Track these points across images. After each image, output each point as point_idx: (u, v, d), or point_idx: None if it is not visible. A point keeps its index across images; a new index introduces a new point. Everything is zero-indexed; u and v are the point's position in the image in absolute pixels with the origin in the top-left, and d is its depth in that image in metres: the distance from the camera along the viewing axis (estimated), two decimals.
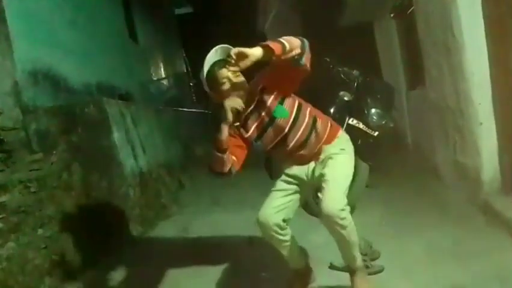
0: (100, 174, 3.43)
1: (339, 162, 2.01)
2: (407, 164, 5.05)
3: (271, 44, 1.69)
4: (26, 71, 3.59)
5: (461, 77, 3.20)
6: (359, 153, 3.51)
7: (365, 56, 6.19)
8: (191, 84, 11.94)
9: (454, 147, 3.58)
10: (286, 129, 1.93)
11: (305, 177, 2.07)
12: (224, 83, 1.88)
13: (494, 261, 2.31)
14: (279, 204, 2.03)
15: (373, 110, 3.49)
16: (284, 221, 2.02)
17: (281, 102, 1.93)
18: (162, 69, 9.46)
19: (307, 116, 1.98)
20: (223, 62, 1.84)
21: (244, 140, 2.01)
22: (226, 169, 1.95)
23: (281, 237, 2.05)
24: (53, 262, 2.69)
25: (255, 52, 1.67)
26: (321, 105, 4.08)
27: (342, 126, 3.56)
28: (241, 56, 1.65)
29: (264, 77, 1.95)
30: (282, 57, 1.73)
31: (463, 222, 2.94)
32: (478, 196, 3.14)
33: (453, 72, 3.35)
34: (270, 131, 1.95)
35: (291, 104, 1.95)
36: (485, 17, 2.97)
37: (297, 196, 2.10)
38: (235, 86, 1.89)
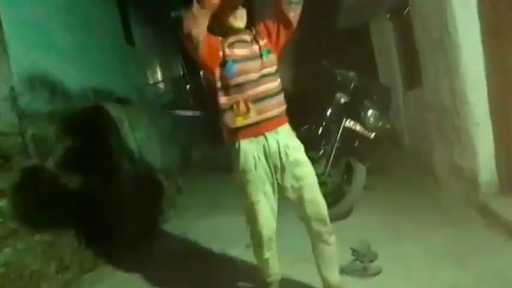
0: (98, 179, 3.41)
1: (306, 161, 2.00)
2: (404, 165, 5.06)
3: None
4: (22, 76, 3.58)
5: (457, 77, 3.21)
6: (356, 154, 3.54)
7: (361, 57, 6.22)
8: (188, 87, 11.94)
9: (451, 148, 3.59)
10: (264, 71, 1.92)
11: (264, 155, 1.94)
12: (231, 3, 1.89)
13: (492, 262, 2.31)
14: (273, 212, 2.03)
15: (370, 112, 3.50)
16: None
17: (268, 51, 1.96)
18: (159, 73, 9.46)
19: (278, 81, 1.99)
20: None
21: (218, 54, 1.93)
22: (197, 29, 1.82)
23: (273, 250, 2.11)
24: (50, 267, 2.68)
25: None
26: (317, 106, 4.13)
27: (339, 128, 3.58)
28: None
29: (261, 23, 2.02)
30: None
31: (461, 223, 2.94)
32: (476, 197, 3.14)
33: (449, 73, 3.36)
34: (250, 63, 1.91)
35: (273, 60, 1.98)
36: (480, 17, 2.99)
37: (273, 193, 2.02)
38: (236, 6, 1.92)
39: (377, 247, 2.68)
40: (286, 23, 1.97)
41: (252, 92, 1.90)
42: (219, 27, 1.97)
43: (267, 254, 2.10)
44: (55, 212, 3.01)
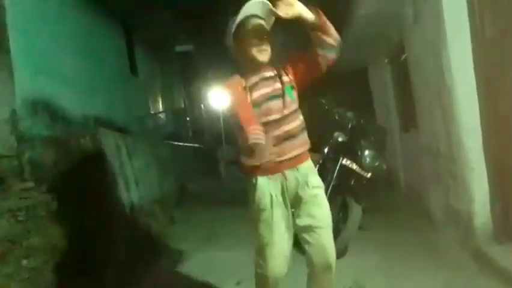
0: (91, 207, 3.38)
1: (325, 203, 1.96)
2: (400, 207, 5.04)
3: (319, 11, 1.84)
4: (25, 101, 3.63)
5: (452, 122, 3.27)
6: (352, 193, 3.54)
7: (359, 98, 6.34)
8: (188, 119, 12.06)
9: (447, 191, 3.60)
10: (286, 111, 1.88)
11: (281, 194, 1.89)
12: (256, 31, 1.85)
13: None
14: (282, 257, 1.90)
15: (366, 152, 3.54)
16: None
17: (292, 87, 1.94)
18: (160, 104, 9.59)
19: (301, 118, 1.97)
20: (258, 18, 1.86)
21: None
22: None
23: None
24: None
25: (301, 6, 1.80)
26: (316, 144, 4.16)
27: (336, 166, 3.60)
28: (288, 2, 1.77)
29: (288, 58, 2.00)
30: (322, 27, 1.85)
31: (455, 268, 2.91)
32: (471, 242, 3.12)
33: (444, 118, 3.43)
34: (273, 102, 1.88)
35: (297, 99, 1.96)
36: (475, 64, 3.09)
37: (289, 237, 1.93)
38: (261, 40, 1.87)
39: None
40: (316, 65, 1.93)
41: (274, 133, 1.85)
42: (243, 60, 1.94)
43: None
44: (45, 238, 2.96)
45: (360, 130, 3.77)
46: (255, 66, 1.92)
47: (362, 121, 3.87)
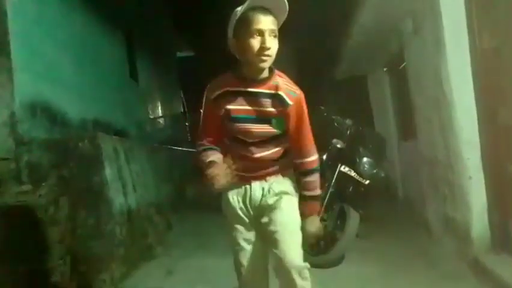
0: (88, 210, 3.37)
1: (287, 208, 1.76)
2: (398, 215, 5.04)
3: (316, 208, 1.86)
4: (24, 103, 3.63)
5: (450, 132, 3.29)
6: (350, 201, 3.54)
7: (358, 106, 6.37)
8: (187, 124, 12.06)
9: (444, 200, 3.60)
10: (266, 137, 1.70)
11: (243, 202, 1.79)
12: (256, 35, 1.54)
13: None
14: (254, 260, 1.81)
15: (365, 159, 3.54)
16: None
17: (282, 121, 1.69)
18: (160, 109, 9.59)
19: (283, 147, 1.77)
20: (267, 13, 1.55)
21: (219, 114, 1.71)
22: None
23: None
24: None
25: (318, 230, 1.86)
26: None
27: (334, 173, 3.60)
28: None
29: (300, 102, 1.70)
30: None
31: (452, 279, 2.90)
32: (468, 252, 3.11)
33: (443, 127, 3.44)
34: (254, 125, 1.68)
35: (284, 127, 1.71)
36: (474, 75, 3.11)
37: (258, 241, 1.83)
38: (267, 41, 1.54)
39: None
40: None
41: (242, 152, 1.73)
42: (241, 59, 1.65)
43: None
44: (41, 242, 2.95)
45: (358, 137, 3.78)
46: (252, 71, 1.64)
47: (360, 128, 3.88)
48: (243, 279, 1.86)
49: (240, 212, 1.79)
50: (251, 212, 1.79)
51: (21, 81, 3.57)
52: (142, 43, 8.38)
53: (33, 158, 3.38)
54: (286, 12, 1.60)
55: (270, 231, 1.73)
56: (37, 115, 3.83)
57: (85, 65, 5.19)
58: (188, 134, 11.97)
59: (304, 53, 8.37)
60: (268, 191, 1.77)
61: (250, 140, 1.72)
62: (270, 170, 1.78)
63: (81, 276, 3.00)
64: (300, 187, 1.82)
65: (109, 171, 3.53)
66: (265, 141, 1.72)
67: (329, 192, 3.54)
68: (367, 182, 3.57)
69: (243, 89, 1.67)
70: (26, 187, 3.20)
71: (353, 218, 3.35)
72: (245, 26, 1.55)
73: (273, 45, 1.57)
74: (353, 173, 3.57)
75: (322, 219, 3.50)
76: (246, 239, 1.81)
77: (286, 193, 1.79)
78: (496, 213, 3.04)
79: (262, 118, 1.68)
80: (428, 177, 4.04)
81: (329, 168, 3.77)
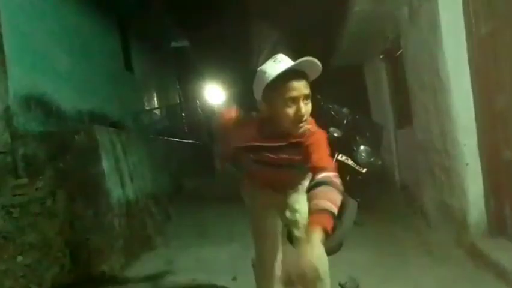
0: (86, 203, 3.37)
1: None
2: (395, 203, 5.07)
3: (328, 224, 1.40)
4: (19, 97, 3.61)
5: (447, 119, 3.29)
6: (347, 189, 3.54)
7: (354, 94, 6.36)
8: (183, 115, 12.02)
9: (441, 187, 3.62)
10: (289, 177, 1.90)
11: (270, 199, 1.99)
12: (290, 101, 1.49)
13: None
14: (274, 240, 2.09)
15: (362, 147, 3.55)
16: None
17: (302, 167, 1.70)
18: (155, 100, 9.55)
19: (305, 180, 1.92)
20: (302, 75, 1.51)
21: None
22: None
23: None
24: None
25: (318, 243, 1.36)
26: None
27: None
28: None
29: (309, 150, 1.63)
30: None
31: (450, 264, 2.93)
32: (465, 238, 3.14)
33: (439, 114, 3.44)
34: (275, 170, 1.78)
35: (305, 171, 1.80)
36: (470, 60, 3.10)
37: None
38: (300, 113, 1.50)
39: (366, 285, 2.65)
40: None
41: (271, 180, 1.90)
42: (272, 118, 1.58)
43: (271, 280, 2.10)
44: (39, 234, 2.95)
45: (355, 126, 3.77)
46: (283, 131, 1.59)
47: (357, 117, 3.88)
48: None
49: (270, 207, 1.99)
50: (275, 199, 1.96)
51: (15, 74, 3.54)
52: (137, 34, 8.31)
53: (29, 151, 3.37)
54: (319, 72, 1.54)
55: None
56: (32, 108, 3.81)
57: (80, 56, 5.15)
58: (185, 125, 11.94)
59: (300, 42, 8.33)
60: (290, 206, 1.97)
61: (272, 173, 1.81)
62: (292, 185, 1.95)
63: (80, 268, 3.01)
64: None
65: (106, 163, 3.53)
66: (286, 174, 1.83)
67: None
68: (364, 170, 3.57)
69: (266, 144, 1.68)
70: (23, 181, 3.20)
71: (351, 206, 3.36)
72: (277, 94, 1.49)
73: (308, 108, 1.52)
74: (350, 162, 3.57)
75: None
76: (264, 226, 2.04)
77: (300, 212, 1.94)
78: (493, 199, 3.06)
79: (284, 165, 1.73)
80: (425, 164, 4.06)
81: None
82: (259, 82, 1.55)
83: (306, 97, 1.51)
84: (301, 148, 1.61)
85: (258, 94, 1.59)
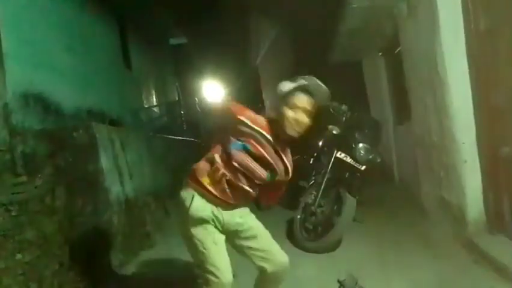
0: (85, 200, 3.37)
1: (257, 223, 2.06)
2: (394, 199, 5.07)
3: None
4: (17, 94, 3.59)
5: (445, 115, 3.29)
6: (346, 186, 3.55)
7: (353, 91, 6.35)
8: (182, 112, 12.01)
9: (439, 184, 3.63)
10: (257, 181, 1.92)
11: (213, 220, 1.95)
12: (294, 109, 1.88)
13: None
14: (226, 260, 1.96)
15: (360, 145, 3.55)
16: None
17: (276, 174, 1.95)
18: (154, 97, 9.53)
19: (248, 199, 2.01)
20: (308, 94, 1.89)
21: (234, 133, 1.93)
22: None
23: None
24: None
25: None
26: (309, 137, 4.18)
27: (330, 159, 3.61)
28: None
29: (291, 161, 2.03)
30: None
31: (448, 260, 2.94)
32: (463, 234, 3.16)
33: (438, 110, 3.45)
34: (254, 165, 1.89)
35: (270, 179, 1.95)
36: (469, 57, 3.10)
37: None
38: (303, 119, 1.89)
39: (365, 281, 2.66)
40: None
41: (237, 182, 1.89)
42: (279, 115, 1.93)
43: None
44: (39, 231, 2.95)
45: (354, 123, 3.78)
46: (279, 130, 1.91)
47: (356, 114, 3.88)
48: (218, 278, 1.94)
49: (209, 217, 1.92)
50: (219, 226, 1.96)
51: (13, 71, 3.53)
52: (135, 31, 8.28)
53: (28, 148, 3.36)
54: (325, 101, 1.99)
55: (256, 255, 2.00)
56: (30, 105, 3.79)
57: (78, 54, 5.13)
58: (184, 122, 11.92)
59: (298, 38, 8.31)
60: (238, 224, 1.98)
61: (243, 171, 1.88)
62: (238, 204, 1.97)
63: (80, 265, 3.01)
64: None
65: (104, 160, 3.52)
66: (253, 184, 1.92)
67: (326, 178, 3.55)
68: (363, 167, 3.58)
69: (269, 136, 1.90)
70: (22, 178, 3.19)
71: (350, 203, 3.37)
72: (289, 101, 1.89)
73: (306, 121, 1.91)
74: (349, 159, 3.58)
75: (319, 205, 3.53)
76: (216, 240, 1.95)
77: (252, 228, 2.01)
78: (491, 195, 3.07)
79: (264, 164, 1.89)
80: (424, 160, 4.07)
81: (325, 154, 3.78)
82: (287, 86, 1.93)
83: (307, 112, 1.90)
84: (285, 165, 1.96)
85: (280, 92, 1.94)
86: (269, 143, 1.91)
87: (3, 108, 3.39)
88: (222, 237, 1.97)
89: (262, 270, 2.01)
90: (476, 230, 3.09)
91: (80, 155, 3.40)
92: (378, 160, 3.66)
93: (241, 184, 1.89)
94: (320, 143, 3.92)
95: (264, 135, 1.89)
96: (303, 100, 1.89)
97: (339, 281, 2.69)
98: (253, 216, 2.07)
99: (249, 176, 1.89)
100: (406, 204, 4.67)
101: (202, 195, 1.90)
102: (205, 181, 1.89)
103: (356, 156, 3.55)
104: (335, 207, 3.49)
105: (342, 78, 6.95)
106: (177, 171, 6.94)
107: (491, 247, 2.80)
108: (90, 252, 3.14)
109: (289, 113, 1.88)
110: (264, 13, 10.21)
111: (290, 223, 3.74)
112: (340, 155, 3.58)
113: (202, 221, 1.90)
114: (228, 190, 1.89)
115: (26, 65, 3.83)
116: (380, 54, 5.88)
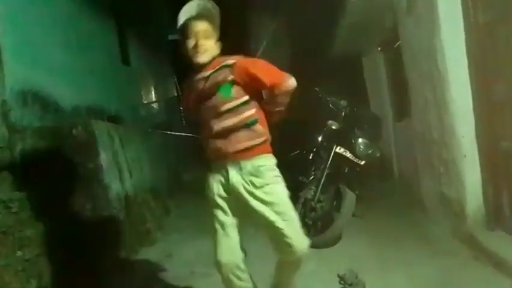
0: (85, 197, 3.37)
1: (283, 197, 1.92)
2: (393, 194, 5.08)
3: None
4: (15, 91, 3.58)
5: (445, 110, 3.29)
6: (346, 181, 3.56)
7: (353, 86, 6.35)
8: (181, 108, 11.99)
9: (439, 178, 3.63)
10: (221, 109, 1.87)
11: (222, 185, 1.93)
12: (190, 37, 1.91)
13: None
14: (232, 242, 1.92)
15: (360, 140, 3.55)
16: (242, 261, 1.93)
17: (232, 84, 1.88)
18: (153, 93, 9.50)
19: (248, 113, 1.89)
20: (199, 19, 1.91)
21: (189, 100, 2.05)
22: None
23: (244, 284, 1.95)
24: (31, 285, 2.60)
25: None
26: (309, 132, 4.18)
27: (330, 154, 3.61)
28: None
29: (243, 64, 1.90)
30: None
31: (448, 255, 2.95)
32: (463, 229, 3.16)
33: (437, 105, 3.44)
34: (206, 102, 1.91)
35: (240, 93, 1.89)
36: (468, 51, 3.09)
37: (236, 225, 1.96)
38: (201, 41, 1.90)
39: (365, 276, 2.66)
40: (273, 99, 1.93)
41: (214, 129, 1.89)
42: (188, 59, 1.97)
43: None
44: (38, 228, 2.95)
45: (354, 118, 3.77)
46: (197, 66, 1.95)
47: (355, 109, 3.87)
48: (216, 261, 1.95)
49: (218, 196, 1.93)
50: (228, 196, 1.92)
51: (11, 68, 3.51)
52: (134, 27, 8.24)
53: (27, 146, 3.35)
54: (217, 14, 1.96)
55: (267, 224, 1.84)
56: (29, 103, 3.78)
57: (76, 50, 5.10)
58: (183, 118, 11.91)
59: (297, 33, 8.29)
60: (249, 182, 1.86)
61: (209, 115, 1.91)
62: (243, 144, 1.86)
63: (80, 262, 3.01)
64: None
65: (104, 158, 3.52)
66: (223, 112, 1.88)
67: (325, 173, 3.55)
68: (363, 162, 3.58)
69: (192, 79, 1.99)
70: (22, 175, 3.18)
71: (349, 198, 3.37)
72: (184, 34, 1.95)
73: (210, 43, 1.94)
74: (348, 154, 3.58)
75: (318, 201, 3.53)
76: (218, 218, 1.95)
77: (268, 184, 1.87)
78: (490, 190, 3.07)
79: (208, 94, 1.90)
80: (423, 155, 4.06)
81: (324, 149, 3.78)
82: (179, 34, 1.99)
83: (204, 33, 1.90)
84: (229, 71, 1.89)
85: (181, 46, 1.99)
86: (204, 79, 1.93)
87: (2, 105, 3.38)
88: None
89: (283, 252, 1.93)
90: (475, 225, 3.09)
91: (79, 152, 3.40)
92: (378, 155, 3.66)
93: (223, 123, 1.88)
94: (320, 138, 3.92)
95: (194, 82, 1.97)
96: (189, 27, 1.92)
97: (339, 276, 2.70)
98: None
99: (217, 115, 1.89)
100: (406, 200, 4.68)
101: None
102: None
103: (356, 152, 3.55)
104: (335, 203, 3.50)
105: (342, 74, 6.95)
106: (177, 167, 6.96)
107: (491, 242, 2.81)
108: (90, 249, 3.14)
109: (190, 52, 1.91)
110: (263, 7, 10.17)
111: None
112: (339, 150, 3.57)
113: None
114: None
115: (25, 62, 3.81)
116: (379, 49, 5.86)
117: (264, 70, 1.89)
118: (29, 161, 3.30)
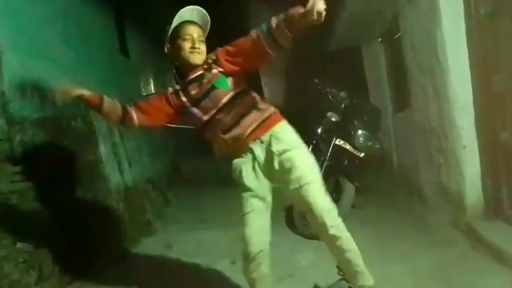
0: (84, 188, 3.38)
1: (299, 163, 1.94)
2: (393, 186, 5.10)
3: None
4: (14, 83, 3.56)
5: (445, 101, 3.28)
6: (345, 173, 3.56)
7: (352, 78, 6.32)
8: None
9: (438, 170, 3.64)
10: (222, 103, 1.95)
11: (252, 168, 1.97)
12: (186, 39, 1.99)
13: (478, 285, 2.32)
14: (260, 227, 1.97)
15: (359, 132, 3.55)
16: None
17: (226, 76, 1.97)
18: (152, 85, 9.47)
19: (248, 97, 2.02)
20: (194, 24, 2.03)
21: (176, 106, 2.06)
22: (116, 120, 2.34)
23: (262, 271, 1.98)
24: (31, 276, 2.61)
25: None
26: (308, 124, 4.18)
27: (329, 146, 3.61)
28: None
29: (222, 50, 2.00)
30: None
31: (447, 245, 2.96)
32: (462, 220, 3.17)
33: (437, 96, 3.43)
34: (205, 101, 1.97)
35: (236, 83, 1.99)
36: (469, 43, 3.07)
37: (267, 210, 2.03)
38: (196, 44, 1.99)
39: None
40: (264, 54, 1.89)
41: (221, 125, 1.97)
42: (179, 62, 2.06)
43: (254, 274, 1.98)
44: (39, 219, 2.96)
45: (353, 110, 3.77)
46: (188, 68, 2.03)
47: (355, 101, 3.87)
48: (244, 246, 1.97)
49: (247, 180, 1.96)
50: (261, 176, 1.97)
51: (9, 60, 3.49)
52: (133, 18, 8.19)
53: (26, 137, 3.35)
54: (208, 22, 2.11)
55: (291, 190, 1.92)
56: (28, 94, 3.76)
57: (75, 41, 5.07)
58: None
59: None
60: (272, 152, 1.92)
61: (212, 113, 1.97)
62: (258, 121, 1.95)
63: (80, 253, 3.03)
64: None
65: (103, 149, 3.52)
66: (226, 104, 1.96)
67: (325, 165, 3.56)
68: (362, 154, 3.58)
69: (186, 81, 2.06)
70: (21, 167, 3.18)
71: (349, 190, 3.39)
72: (178, 37, 2.04)
73: (203, 45, 2.05)
74: (348, 146, 3.58)
75: None
76: (252, 206, 1.96)
77: (288, 150, 1.94)
78: (490, 181, 3.08)
79: (206, 91, 1.97)
80: (423, 146, 4.06)
81: (323, 141, 3.78)
82: (166, 36, 2.08)
83: (199, 37, 2.01)
84: (215, 64, 1.98)
85: (166, 45, 2.09)
86: (198, 79, 2.01)
87: (0, 96, 3.37)
88: None
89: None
90: (474, 216, 3.10)
91: (78, 143, 3.40)
92: (377, 147, 3.66)
93: (228, 117, 1.96)
94: (319, 130, 3.92)
95: (186, 84, 2.04)
96: (185, 30, 2.00)
97: (338, 267, 2.71)
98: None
99: (220, 109, 1.96)
100: (405, 191, 4.69)
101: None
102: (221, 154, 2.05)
103: (355, 143, 3.55)
104: (334, 195, 3.51)
105: (341, 65, 6.93)
106: (176, 158, 6.97)
107: (490, 232, 2.82)
108: (91, 240, 3.16)
109: (186, 54, 1.99)
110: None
111: (289, 210, 3.76)
112: (339, 142, 3.57)
113: None
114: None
115: (23, 53, 3.79)
116: (380, 40, 5.83)
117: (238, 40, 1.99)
118: (28, 152, 3.29)
